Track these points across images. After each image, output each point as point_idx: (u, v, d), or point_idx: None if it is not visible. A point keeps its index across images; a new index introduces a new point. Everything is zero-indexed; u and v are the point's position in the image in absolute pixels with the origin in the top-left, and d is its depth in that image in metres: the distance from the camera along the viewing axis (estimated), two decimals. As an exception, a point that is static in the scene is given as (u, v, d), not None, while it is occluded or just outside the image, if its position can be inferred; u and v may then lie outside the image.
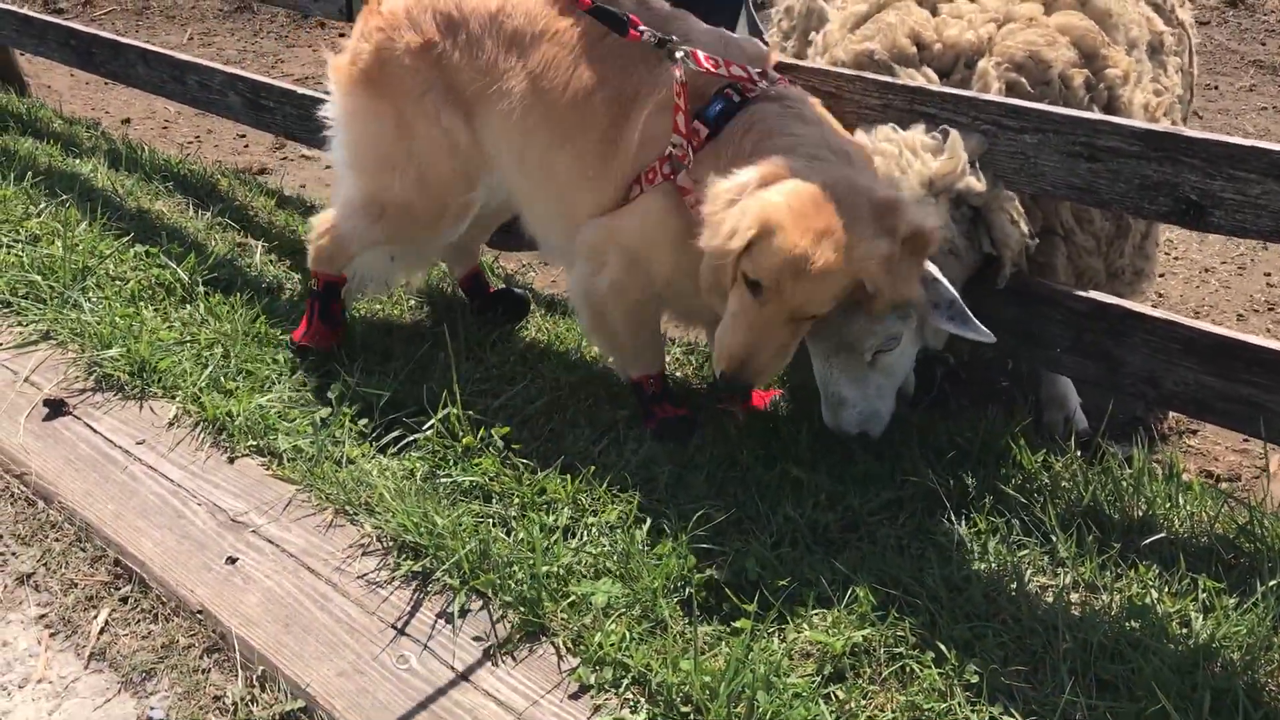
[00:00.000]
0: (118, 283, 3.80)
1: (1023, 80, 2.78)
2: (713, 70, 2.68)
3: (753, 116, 2.65)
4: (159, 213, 4.42)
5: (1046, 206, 2.84)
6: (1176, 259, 4.41)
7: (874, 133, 2.74)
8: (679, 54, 2.68)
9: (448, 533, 2.55)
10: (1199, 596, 2.35)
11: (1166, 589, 2.38)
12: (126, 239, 4.06)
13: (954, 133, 2.60)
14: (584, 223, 2.87)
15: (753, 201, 2.44)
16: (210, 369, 3.26)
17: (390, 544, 2.64)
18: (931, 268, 2.52)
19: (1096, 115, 2.55)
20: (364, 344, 3.40)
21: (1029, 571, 2.47)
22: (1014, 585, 2.44)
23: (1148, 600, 2.33)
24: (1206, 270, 4.32)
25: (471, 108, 2.97)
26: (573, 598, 2.40)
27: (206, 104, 4.86)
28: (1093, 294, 2.72)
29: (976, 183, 2.61)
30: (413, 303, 3.73)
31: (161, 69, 4.97)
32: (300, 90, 4.46)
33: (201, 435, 3.08)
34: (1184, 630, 2.29)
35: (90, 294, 3.70)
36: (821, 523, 2.62)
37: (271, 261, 4.07)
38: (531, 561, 2.46)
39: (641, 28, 2.73)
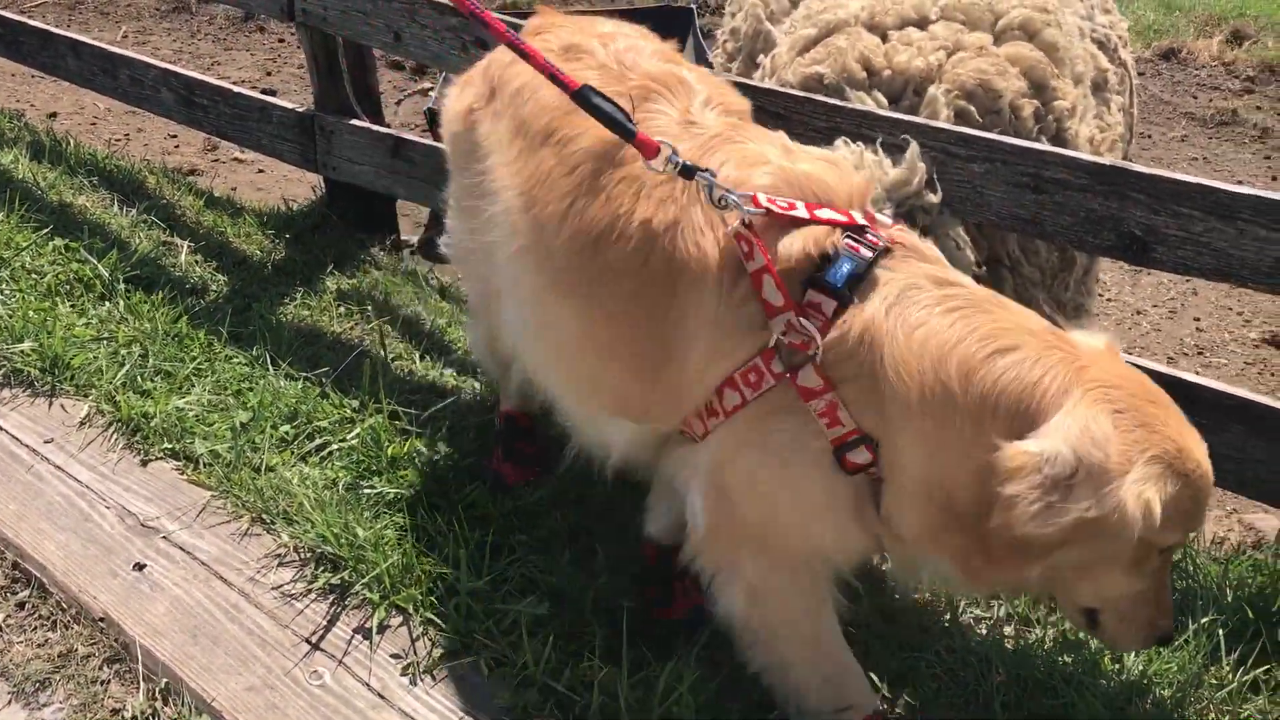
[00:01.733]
0: (34, 276, 3.65)
1: (972, 109, 2.77)
2: (784, 212, 1.88)
3: (898, 280, 1.85)
4: (82, 207, 4.27)
5: (993, 236, 2.83)
6: (1110, 300, 4.46)
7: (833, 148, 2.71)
8: (731, 197, 1.86)
9: (369, 545, 2.46)
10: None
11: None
12: (45, 231, 3.91)
13: (914, 144, 2.57)
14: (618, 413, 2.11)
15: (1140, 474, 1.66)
16: (127, 368, 3.12)
17: (308, 555, 2.53)
18: None
19: (1045, 147, 2.55)
20: (290, 350, 3.29)
21: (963, 603, 2.43)
22: (948, 616, 2.40)
23: (1081, 635, 2.30)
24: (1138, 313, 4.36)
25: (478, 196, 2.32)
26: (498, 616, 2.32)
27: (138, 99, 4.72)
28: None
29: (933, 195, 2.58)
30: (342, 309, 3.63)
31: (92, 61, 4.82)
32: (235, 89, 4.35)
33: (114, 436, 2.94)
34: (1116, 666, 2.27)
35: (3, 286, 3.55)
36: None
37: (198, 262, 3.94)
38: (456, 577, 2.37)
39: (661, 140, 1.93)
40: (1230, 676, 2.22)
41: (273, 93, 6.71)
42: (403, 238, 4.64)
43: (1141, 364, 2.58)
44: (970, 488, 1.73)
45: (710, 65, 5.45)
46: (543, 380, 2.32)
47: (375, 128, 3.97)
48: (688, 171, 1.89)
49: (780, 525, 1.94)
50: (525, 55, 2.08)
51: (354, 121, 3.98)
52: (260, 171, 5.60)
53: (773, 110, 2.83)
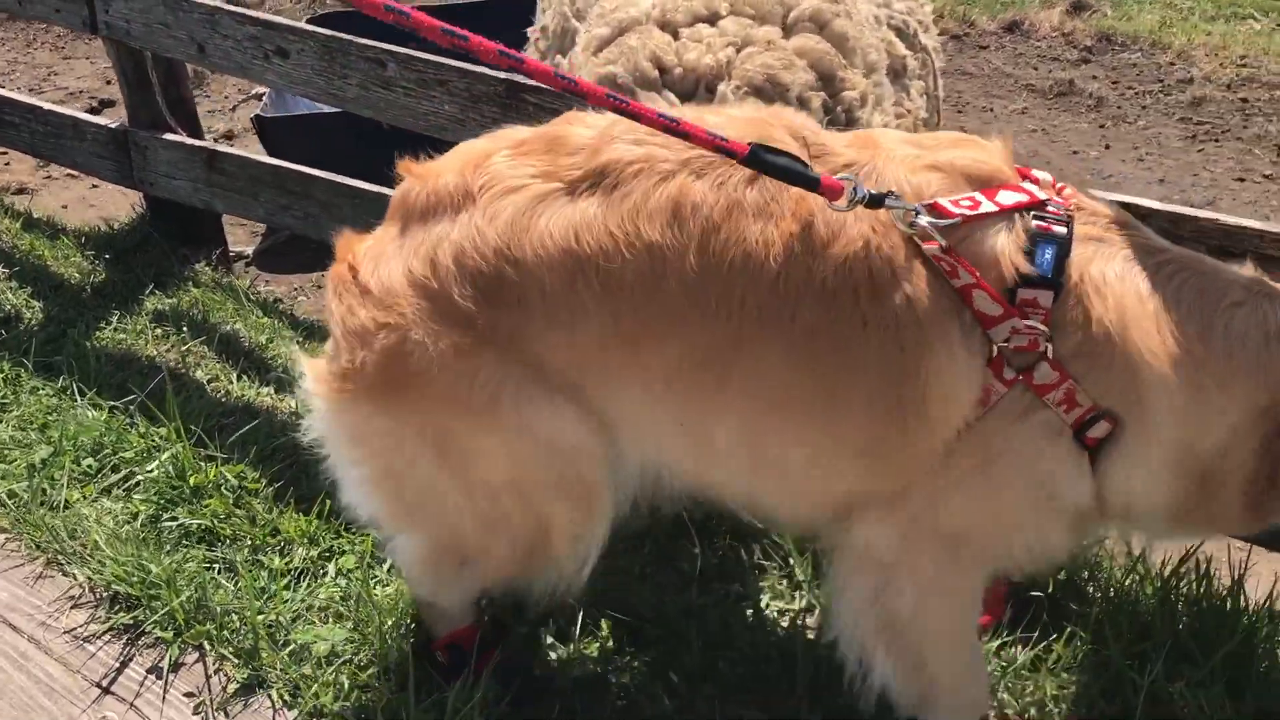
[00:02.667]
0: None
1: (761, 104, 2.79)
2: (972, 212, 1.80)
3: (1105, 250, 1.84)
4: (-113, 237, 4.10)
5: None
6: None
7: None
8: (920, 217, 1.76)
9: (162, 581, 2.40)
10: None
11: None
12: None
13: None
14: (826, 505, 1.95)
15: None
16: (-82, 409, 3.01)
17: (103, 595, 2.47)
18: None
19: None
20: (99, 377, 3.19)
21: (767, 597, 2.46)
22: (750, 611, 2.42)
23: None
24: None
25: (580, 381, 1.89)
26: (293, 646, 2.28)
27: (-53, 119, 4.53)
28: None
29: None
30: (159, 331, 3.53)
31: (-102, 82, 4.62)
32: (46, 106, 4.20)
33: (-96, 482, 2.83)
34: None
35: None
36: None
37: (12, 289, 3.80)
38: (252, 610, 2.33)
39: (842, 177, 1.77)
40: (1015, 653, 2.27)
41: (111, 103, 6.53)
42: (235, 250, 4.55)
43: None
44: (1225, 448, 1.79)
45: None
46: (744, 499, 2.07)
47: (189, 141, 3.86)
48: (875, 201, 1.75)
49: (1008, 524, 1.87)
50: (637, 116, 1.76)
51: (168, 136, 3.87)
52: (94, 187, 5.42)
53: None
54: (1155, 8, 7.41)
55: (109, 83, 6.87)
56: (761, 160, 1.75)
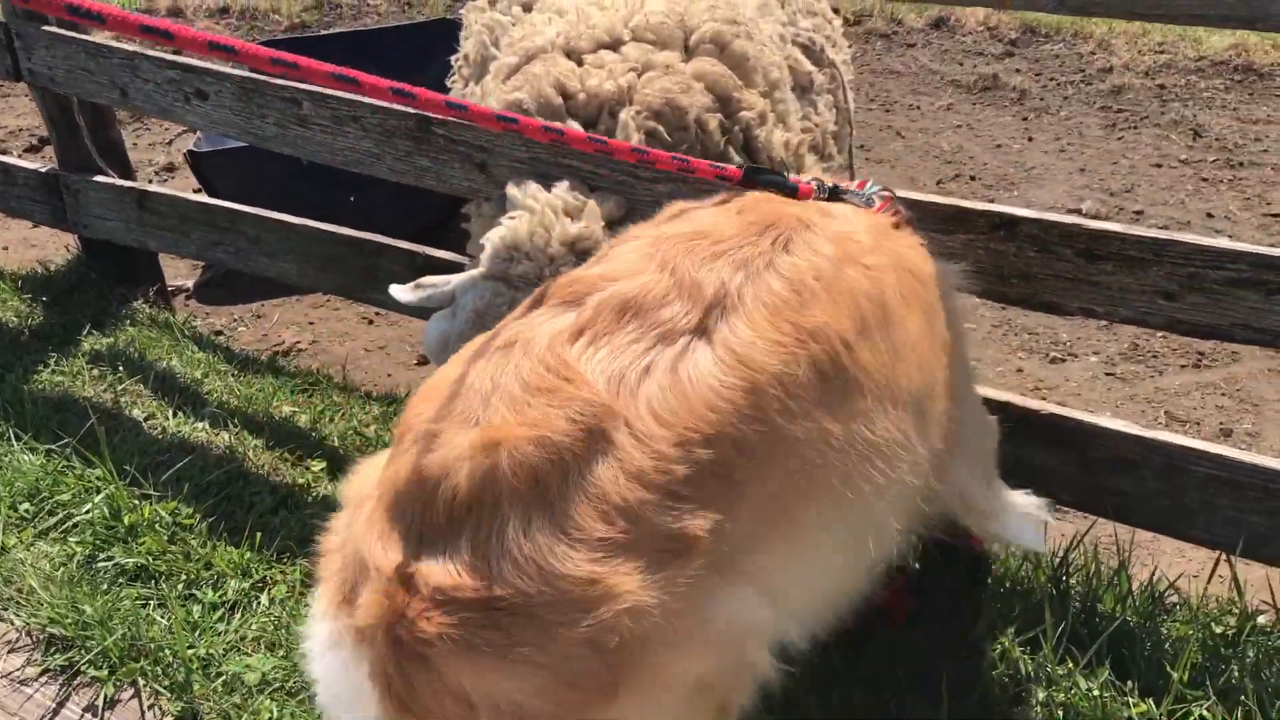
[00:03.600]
0: None
1: (660, 128, 2.88)
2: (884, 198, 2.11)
3: None
4: None
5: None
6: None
7: (523, 188, 2.80)
8: (873, 190, 2.05)
9: (95, 621, 2.47)
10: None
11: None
12: None
13: (590, 201, 2.68)
14: None
15: None
16: None
17: (40, 638, 2.54)
18: None
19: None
20: (32, 421, 3.26)
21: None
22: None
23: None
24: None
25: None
26: (225, 677, 2.36)
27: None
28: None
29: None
30: (95, 371, 3.59)
31: None
32: (-23, 153, 4.25)
33: None
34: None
35: None
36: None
37: (-51, 335, 3.86)
38: (182, 644, 2.40)
39: (805, 180, 2.05)
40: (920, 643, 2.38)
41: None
42: (175, 284, 4.61)
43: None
44: None
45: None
46: None
47: (119, 182, 3.93)
48: (835, 192, 2.01)
49: None
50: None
51: (98, 178, 3.93)
52: (34, 227, 5.45)
53: (477, 144, 2.91)
54: (1080, -3, 7.58)
55: (48, 120, 6.91)
56: (753, 179, 2.04)
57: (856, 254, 1.73)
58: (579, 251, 2.71)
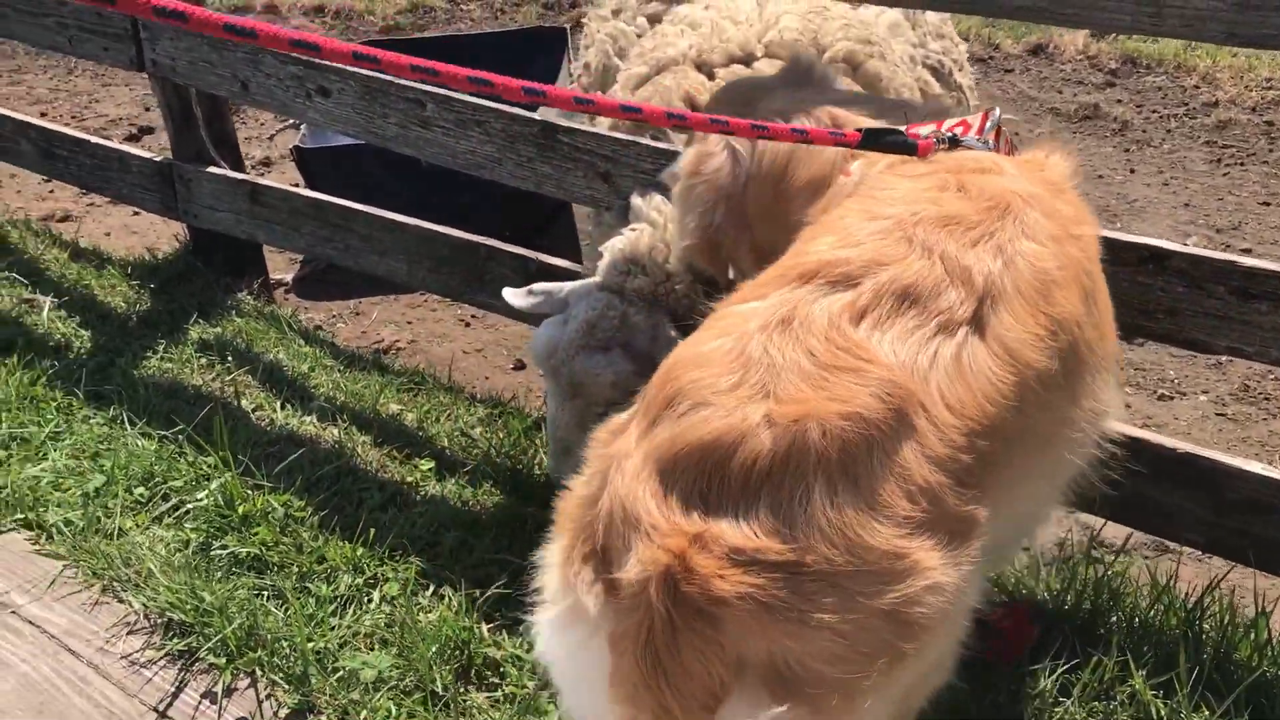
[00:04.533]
0: (-115, 345, 3.62)
1: (791, 145, 2.86)
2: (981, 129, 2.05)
3: None
4: (-61, 267, 4.22)
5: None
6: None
7: (647, 199, 2.79)
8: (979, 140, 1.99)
9: (215, 609, 2.49)
10: None
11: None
12: (-100, 297, 3.87)
13: None
14: None
15: None
16: (-23, 438, 3.12)
17: (158, 621, 2.56)
18: None
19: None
20: (149, 407, 3.30)
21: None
22: None
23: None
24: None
25: None
26: (341, 673, 2.36)
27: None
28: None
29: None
30: (204, 360, 3.63)
31: (-52, 114, 4.76)
32: (93, 139, 4.32)
33: (-36, 510, 2.94)
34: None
35: None
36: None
37: (61, 319, 3.92)
38: (300, 636, 2.41)
39: (923, 131, 2.00)
40: (1040, 682, 2.33)
41: (150, 129, 6.67)
42: (275, 277, 4.66)
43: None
44: None
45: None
46: None
47: (232, 174, 3.97)
48: (954, 141, 1.97)
49: None
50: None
51: (211, 169, 3.99)
52: (135, 214, 5.54)
53: (601, 154, 2.91)
54: (1180, 29, 7.45)
55: (148, 109, 7.03)
56: (874, 139, 1.97)
57: (1069, 226, 1.77)
58: (697, 271, 2.70)
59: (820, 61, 2.68)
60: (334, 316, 4.57)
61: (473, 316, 4.50)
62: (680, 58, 3.05)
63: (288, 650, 2.41)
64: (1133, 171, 5.69)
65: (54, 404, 3.33)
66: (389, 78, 3.26)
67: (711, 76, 3.02)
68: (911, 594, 1.33)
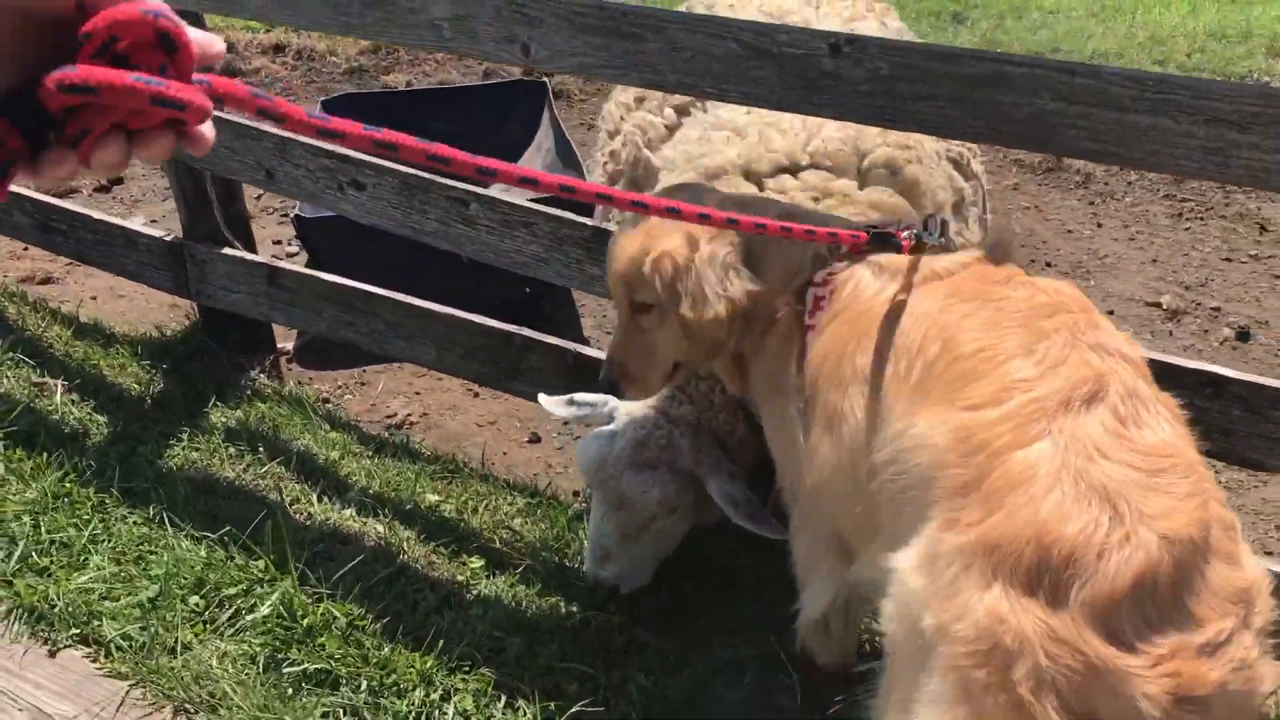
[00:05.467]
0: (-99, 439, 3.55)
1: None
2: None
3: None
4: (-62, 347, 4.14)
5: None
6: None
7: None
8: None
9: (302, 735, 2.51)
10: None
11: None
12: (-94, 384, 3.79)
13: None
14: None
15: None
16: (21, 547, 3.07)
17: (238, 745, 2.57)
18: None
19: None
20: (186, 504, 3.28)
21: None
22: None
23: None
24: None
25: None
26: (437, 799, 2.40)
27: (-13, 222, 4.58)
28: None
29: None
30: (232, 450, 3.62)
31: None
32: (95, 215, 4.27)
33: (16, 625, 2.90)
34: None
35: None
36: (673, 691, 2.71)
37: (74, 402, 3.88)
38: (391, 760, 2.44)
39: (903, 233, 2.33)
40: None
41: (120, 180, 6.57)
42: (279, 346, 4.63)
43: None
44: None
45: (570, 144, 5.57)
46: None
47: (249, 257, 3.96)
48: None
49: None
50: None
51: (226, 250, 3.97)
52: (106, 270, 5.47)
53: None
54: (1127, 74, 7.72)
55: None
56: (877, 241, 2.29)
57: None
58: (741, 405, 2.79)
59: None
60: (340, 387, 4.56)
61: (481, 386, 4.52)
62: (729, 166, 3.12)
63: (380, 777, 2.44)
64: (1099, 226, 5.90)
65: (88, 503, 3.29)
66: (429, 176, 3.29)
67: (760, 186, 3.10)
68: None
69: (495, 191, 3.35)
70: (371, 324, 3.71)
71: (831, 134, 3.11)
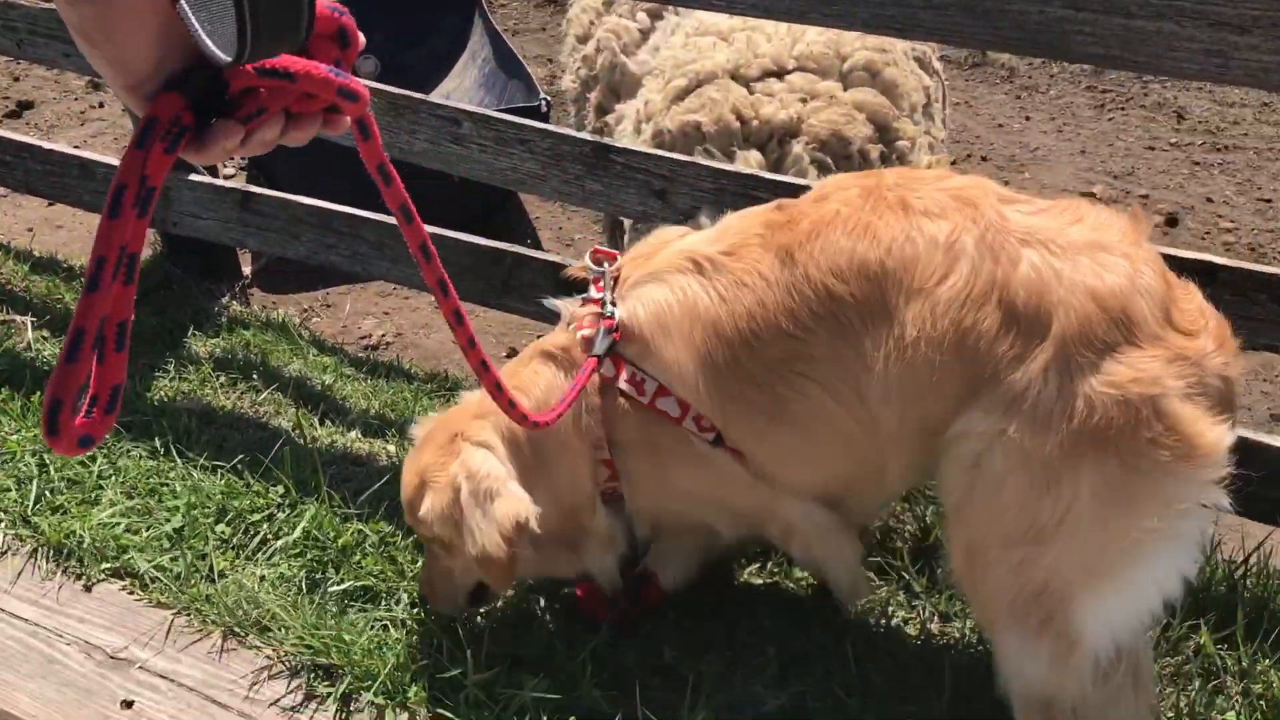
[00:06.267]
0: (-121, 385, 3.46)
1: (827, 158, 3.06)
2: None
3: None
4: (-111, 288, 4.01)
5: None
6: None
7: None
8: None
9: (362, 651, 2.58)
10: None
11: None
12: None
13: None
14: None
15: None
16: (35, 486, 3.06)
17: (296, 665, 2.63)
18: None
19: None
20: (188, 436, 3.29)
21: (891, 609, 2.79)
22: (883, 623, 2.75)
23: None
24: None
25: None
26: (504, 701, 2.49)
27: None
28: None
29: None
30: (223, 379, 3.61)
31: None
32: (46, 146, 4.14)
33: (43, 563, 2.90)
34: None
35: None
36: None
37: (45, 339, 3.81)
38: (459, 670, 2.53)
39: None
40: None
41: (30, 104, 6.34)
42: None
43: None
44: None
45: (514, 53, 5.53)
46: None
47: (219, 182, 3.89)
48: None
49: None
50: None
51: (193, 176, 3.89)
52: (50, 205, 5.32)
53: (658, 173, 3.03)
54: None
55: (17, 79, 6.65)
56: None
57: None
58: None
59: None
60: (305, 310, 4.55)
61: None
62: (719, 71, 3.18)
63: (444, 683, 2.53)
64: (1028, 119, 6.10)
65: (89, 439, 3.27)
66: (419, 96, 3.29)
67: (750, 90, 3.18)
68: None
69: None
70: (354, 246, 3.70)
71: (814, 37, 3.20)
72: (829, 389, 2.11)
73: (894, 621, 2.77)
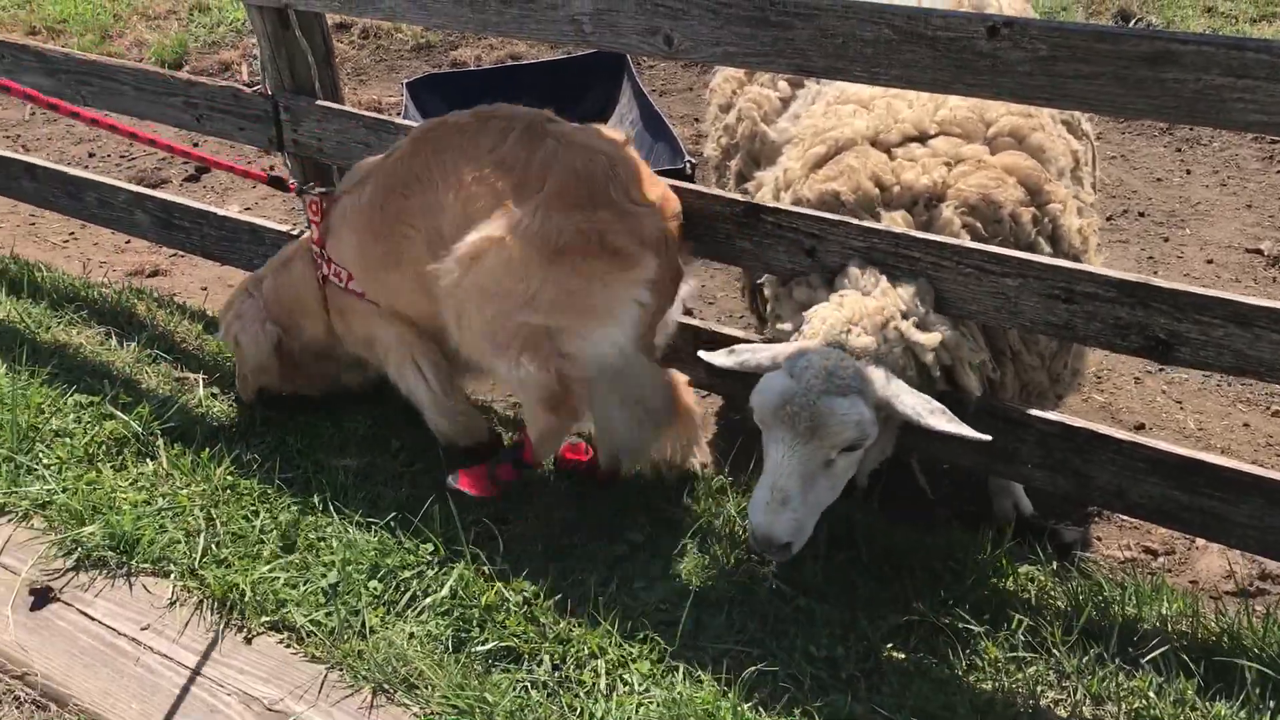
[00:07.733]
0: (65, 440, 3.69)
1: (977, 223, 3.02)
2: None
3: None
4: (78, 347, 4.29)
5: (994, 333, 3.07)
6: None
7: (866, 272, 2.93)
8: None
9: (505, 715, 2.62)
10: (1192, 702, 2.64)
11: (1168, 698, 2.66)
12: (57, 386, 3.94)
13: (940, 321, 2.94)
14: None
15: None
16: (203, 539, 3.22)
17: (440, 723, 2.69)
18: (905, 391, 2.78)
19: (1073, 265, 2.77)
20: (343, 493, 3.41)
21: (1040, 688, 2.71)
22: (1030, 703, 2.68)
23: (1155, 712, 2.60)
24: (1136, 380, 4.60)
25: None
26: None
27: (108, 221, 4.74)
28: (1062, 417, 2.98)
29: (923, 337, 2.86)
30: (396, 444, 3.73)
31: (52, 185, 4.81)
32: (219, 212, 4.39)
33: (208, 615, 3.05)
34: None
35: (42, 457, 3.59)
36: (839, 658, 2.81)
37: (214, 396, 4.01)
38: (592, 732, 2.56)
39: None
40: None
41: (206, 169, 6.71)
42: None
43: (1170, 446, 2.87)
44: None
45: (660, 116, 5.62)
46: None
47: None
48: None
49: None
50: None
51: (353, 241, 4.06)
52: (222, 265, 5.61)
53: (808, 231, 3.03)
54: (1197, 14, 7.64)
55: (195, 144, 7.01)
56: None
57: None
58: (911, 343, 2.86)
59: None
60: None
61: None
62: (858, 137, 3.19)
63: (583, 747, 2.56)
64: (1189, 173, 5.89)
65: (252, 494, 3.43)
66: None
67: (890, 155, 3.16)
68: None
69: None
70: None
71: (958, 103, 3.17)
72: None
73: (1043, 702, 2.69)
